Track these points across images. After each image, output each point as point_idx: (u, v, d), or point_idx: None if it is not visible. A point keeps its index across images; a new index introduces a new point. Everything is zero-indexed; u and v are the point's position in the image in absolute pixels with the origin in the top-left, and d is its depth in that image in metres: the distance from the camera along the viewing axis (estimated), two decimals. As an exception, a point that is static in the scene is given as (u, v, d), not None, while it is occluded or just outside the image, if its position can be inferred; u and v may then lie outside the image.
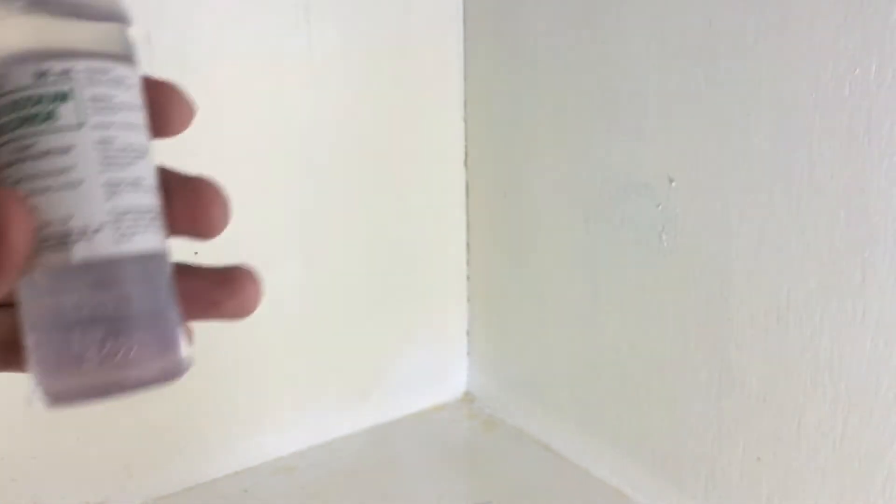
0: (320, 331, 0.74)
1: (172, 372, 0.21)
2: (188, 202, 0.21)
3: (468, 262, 0.82)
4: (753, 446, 0.54)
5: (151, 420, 0.66)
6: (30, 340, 0.19)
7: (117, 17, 0.20)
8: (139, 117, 0.20)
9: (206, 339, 0.74)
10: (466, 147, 0.79)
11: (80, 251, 0.19)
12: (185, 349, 0.21)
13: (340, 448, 0.75)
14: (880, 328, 0.46)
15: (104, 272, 0.19)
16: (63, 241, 0.19)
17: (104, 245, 0.19)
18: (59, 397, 0.19)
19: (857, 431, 0.48)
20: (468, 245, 0.82)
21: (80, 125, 0.19)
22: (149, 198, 0.20)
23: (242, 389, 0.70)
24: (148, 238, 0.20)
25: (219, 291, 0.22)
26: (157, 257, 0.20)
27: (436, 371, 0.83)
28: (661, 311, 0.60)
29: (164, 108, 0.21)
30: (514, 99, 0.72)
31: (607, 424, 0.68)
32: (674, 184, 0.57)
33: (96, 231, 0.19)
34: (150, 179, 0.20)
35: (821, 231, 0.48)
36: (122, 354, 0.19)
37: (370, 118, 0.72)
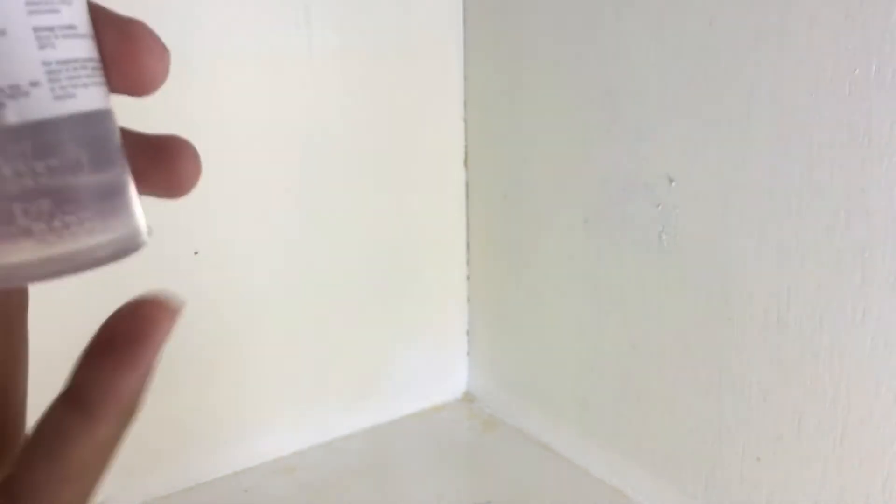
0: (320, 331, 0.74)
1: (130, 243, 0.18)
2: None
3: (468, 262, 0.82)
4: (753, 446, 0.54)
5: (151, 420, 0.66)
6: None
7: None
8: None
9: (205, 339, 0.75)
10: (466, 147, 0.79)
11: (14, 112, 0.16)
12: (141, 218, 0.19)
13: (340, 448, 0.75)
14: (880, 328, 0.46)
15: (45, 135, 0.17)
16: None
17: (42, 104, 0.17)
18: (7, 277, 0.17)
19: (858, 432, 0.48)
20: (468, 245, 0.82)
21: None
22: (87, 47, 0.18)
23: (242, 389, 0.70)
24: (91, 94, 0.18)
25: (148, 163, 0.19)
26: (102, 116, 0.18)
27: (436, 371, 0.83)
28: (662, 311, 0.60)
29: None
30: (514, 99, 0.72)
31: (607, 424, 0.67)
32: (674, 184, 0.57)
33: (31, 88, 0.16)
34: (85, 25, 0.18)
35: (821, 231, 0.48)
36: (74, 226, 0.17)
37: (370, 118, 0.72)
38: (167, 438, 0.67)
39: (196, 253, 0.64)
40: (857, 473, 0.48)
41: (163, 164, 0.19)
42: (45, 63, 0.17)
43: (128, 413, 0.20)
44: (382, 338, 0.79)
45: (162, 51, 0.19)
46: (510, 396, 0.80)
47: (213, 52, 0.62)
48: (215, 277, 0.65)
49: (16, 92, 0.16)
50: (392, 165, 0.75)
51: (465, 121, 0.78)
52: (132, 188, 0.19)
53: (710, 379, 0.57)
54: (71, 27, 0.17)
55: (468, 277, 0.83)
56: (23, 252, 0.17)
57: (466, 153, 0.79)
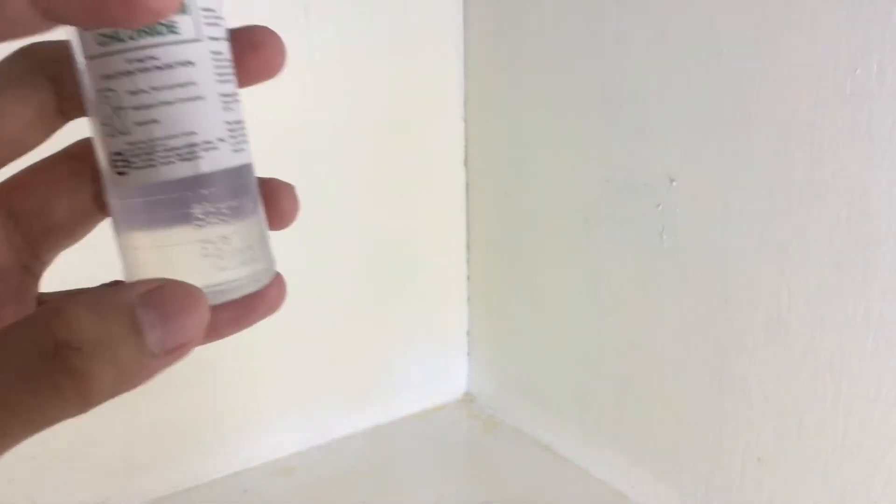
0: (320, 331, 0.73)
1: (272, 272, 0.22)
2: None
3: (468, 262, 0.82)
4: (754, 447, 0.54)
5: (150, 421, 0.66)
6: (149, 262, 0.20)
7: None
8: (226, 30, 0.21)
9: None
10: (466, 147, 0.79)
11: (207, 163, 0.19)
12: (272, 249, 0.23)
13: (340, 448, 0.75)
14: (882, 328, 0.45)
15: (229, 182, 0.20)
16: (190, 153, 0.19)
17: (226, 156, 0.20)
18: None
19: (859, 432, 0.48)
20: (468, 245, 0.82)
21: (198, 37, 0.19)
22: (243, 114, 0.21)
23: (241, 390, 0.70)
24: (249, 150, 0.21)
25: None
26: (253, 168, 0.22)
27: (436, 371, 0.83)
28: (662, 311, 0.60)
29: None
30: (514, 99, 0.72)
31: (608, 425, 0.67)
32: (674, 183, 0.57)
33: (219, 143, 0.20)
34: (238, 93, 0.21)
35: (822, 231, 0.47)
36: (247, 258, 0.20)
37: (370, 118, 0.72)
38: (166, 439, 0.67)
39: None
40: (858, 474, 0.48)
41: (270, 204, 0.23)
42: (227, 123, 0.20)
43: None
44: (382, 338, 0.78)
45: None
46: (510, 397, 0.80)
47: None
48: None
49: (209, 146, 0.20)
50: (392, 165, 0.75)
51: (465, 121, 0.78)
52: (267, 229, 0.22)
53: (710, 379, 0.57)
54: (236, 94, 0.21)
55: (468, 277, 0.82)
56: (205, 278, 0.20)
57: (466, 153, 0.79)
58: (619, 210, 0.62)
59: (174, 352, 0.17)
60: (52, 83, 0.20)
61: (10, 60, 0.20)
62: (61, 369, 0.15)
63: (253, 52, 0.22)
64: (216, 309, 0.21)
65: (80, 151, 0.21)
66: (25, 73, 0.20)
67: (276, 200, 0.23)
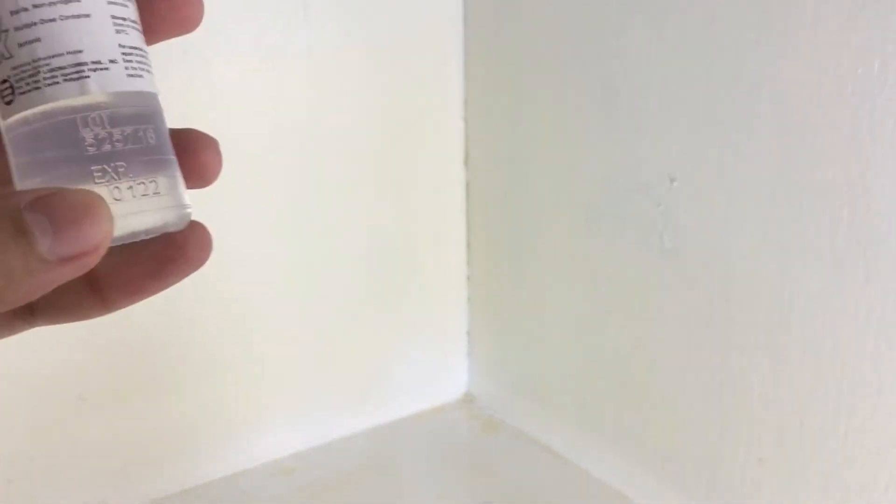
0: (319, 331, 0.73)
1: (183, 214, 0.20)
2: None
3: (468, 262, 0.82)
4: (755, 447, 0.54)
5: (149, 422, 0.66)
6: (38, 183, 0.18)
7: None
8: None
9: (203, 339, 0.74)
10: (466, 147, 0.79)
11: (96, 84, 0.18)
12: (187, 195, 0.21)
13: (340, 449, 0.75)
14: (883, 329, 0.45)
15: (120, 106, 0.19)
16: (77, 72, 0.18)
17: (118, 79, 0.19)
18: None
19: (860, 433, 0.47)
20: (468, 245, 0.81)
21: None
22: (143, 41, 0.20)
23: (240, 390, 0.70)
24: (150, 79, 0.20)
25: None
26: (157, 98, 0.20)
27: (436, 372, 0.83)
28: (663, 312, 0.60)
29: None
30: (514, 99, 0.72)
31: (608, 425, 0.67)
32: (675, 183, 0.57)
33: (110, 64, 0.18)
34: (140, 25, 0.20)
35: (823, 231, 0.47)
36: (142, 191, 0.19)
37: (370, 117, 0.72)
38: (165, 441, 0.67)
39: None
40: (860, 475, 0.48)
41: (189, 156, 0.21)
42: (121, 45, 0.19)
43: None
44: (382, 338, 0.78)
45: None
46: (511, 397, 0.80)
47: (212, 50, 0.61)
48: (213, 277, 0.65)
49: (98, 66, 0.18)
50: (392, 165, 0.75)
51: (465, 121, 0.78)
52: (179, 170, 0.21)
53: (711, 380, 0.57)
54: (135, 21, 0.20)
55: (468, 277, 0.82)
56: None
57: (466, 153, 0.79)
58: (619, 210, 0.62)
59: (72, 260, 0.16)
60: None
61: None
62: None
63: (192, 157, 0.21)
64: (131, 263, 0.20)
65: None
66: None
67: (195, 152, 0.21)
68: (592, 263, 0.65)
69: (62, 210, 0.16)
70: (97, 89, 0.18)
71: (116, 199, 0.18)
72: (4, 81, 0.18)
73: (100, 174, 0.18)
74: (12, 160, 0.19)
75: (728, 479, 0.57)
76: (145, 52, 0.20)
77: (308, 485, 0.69)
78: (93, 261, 0.17)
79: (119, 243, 0.19)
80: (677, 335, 0.59)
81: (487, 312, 0.81)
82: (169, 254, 0.21)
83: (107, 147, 0.18)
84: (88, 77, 0.18)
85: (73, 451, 0.63)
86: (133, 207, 0.19)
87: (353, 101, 0.70)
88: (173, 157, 0.20)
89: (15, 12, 0.18)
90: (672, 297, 0.59)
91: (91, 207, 0.16)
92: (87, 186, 0.18)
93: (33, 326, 0.22)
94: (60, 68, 0.18)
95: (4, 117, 0.19)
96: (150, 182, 0.19)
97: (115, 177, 0.18)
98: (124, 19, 0.19)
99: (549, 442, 0.74)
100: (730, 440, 0.56)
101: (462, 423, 0.80)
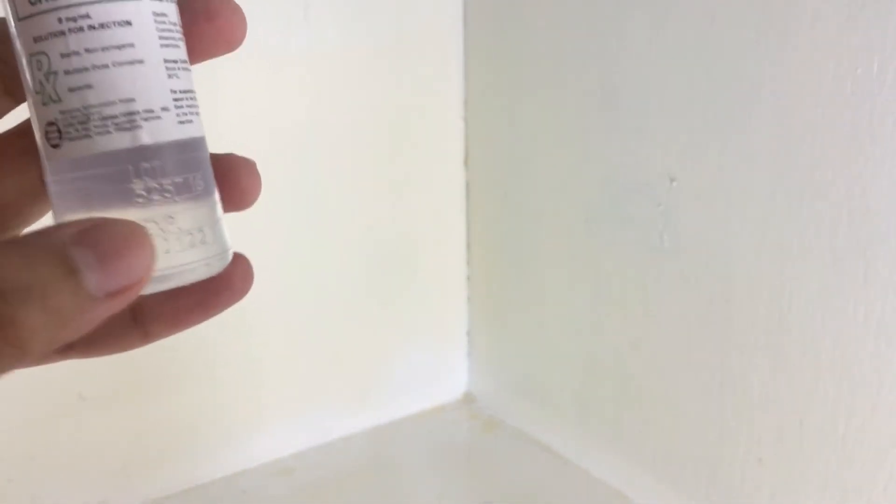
0: (319, 331, 0.73)
1: (224, 259, 0.20)
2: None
3: (468, 262, 0.82)
4: (755, 447, 0.54)
5: (149, 421, 0.66)
6: None
7: None
8: None
9: (203, 338, 0.74)
10: (466, 147, 0.79)
11: (148, 133, 0.18)
12: (229, 235, 0.21)
13: (339, 449, 0.75)
14: (882, 329, 0.45)
15: (172, 155, 0.18)
16: (129, 122, 0.18)
17: (170, 127, 0.18)
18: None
19: (860, 433, 0.47)
20: (468, 245, 0.81)
21: None
22: (192, 79, 0.20)
23: (241, 390, 0.70)
24: (199, 122, 0.20)
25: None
26: (204, 142, 0.20)
27: (436, 372, 0.83)
28: (662, 312, 0.60)
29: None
30: (514, 99, 0.72)
31: (608, 425, 0.67)
32: (675, 183, 0.57)
33: (162, 112, 0.18)
34: (189, 62, 0.20)
35: (823, 231, 0.47)
36: (190, 239, 0.19)
37: (370, 118, 0.72)
38: (165, 441, 0.67)
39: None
40: (859, 474, 0.48)
41: (230, 183, 0.21)
42: (173, 91, 0.18)
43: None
44: (382, 338, 0.78)
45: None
46: (510, 397, 0.80)
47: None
48: (214, 278, 0.65)
49: (150, 115, 0.18)
50: (392, 165, 0.75)
51: (465, 121, 0.78)
52: (222, 210, 0.21)
53: (711, 379, 0.57)
54: (185, 61, 0.19)
55: (468, 277, 0.82)
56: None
57: (466, 153, 0.79)
58: (619, 210, 0.62)
59: (119, 295, 0.16)
60: None
61: None
62: None
63: (207, 21, 0.20)
64: (176, 296, 0.20)
65: (30, 128, 0.20)
66: None
67: (235, 178, 0.21)
68: (592, 263, 0.65)
69: (106, 241, 0.16)
70: (149, 139, 0.18)
71: (165, 252, 0.18)
72: (51, 124, 0.18)
73: (149, 228, 0.18)
74: (56, 206, 0.19)
75: (728, 479, 0.57)
76: (194, 93, 0.20)
77: (308, 485, 0.69)
78: (136, 293, 0.16)
79: (163, 290, 0.19)
80: (677, 335, 0.59)
81: (487, 312, 0.81)
82: (213, 286, 0.21)
83: (156, 197, 0.18)
84: (141, 127, 0.18)
85: (73, 451, 0.63)
86: (181, 259, 0.18)
87: (353, 101, 0.70)
88: (217, 199, 0.20)
89: (66, 55, 0.17)
90: (672, 297, 0.59)
91: (133, 237, 0.16)
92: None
93: (67, 359, 0.22)
94: (112, 117, 0.17)
95: (49, 160, 0.18)
96: (198, 232, 0.19)
97: (164, 229, 0.18)
98: (176, 61, 0.19)
99: (549, 442, 0.74)
100: (730, 440, 0.56)
101: (462, 423, 0.80)
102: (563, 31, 0.65)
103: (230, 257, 0.21)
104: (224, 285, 0.21)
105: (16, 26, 0.18)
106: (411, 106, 0.75)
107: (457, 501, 0.67)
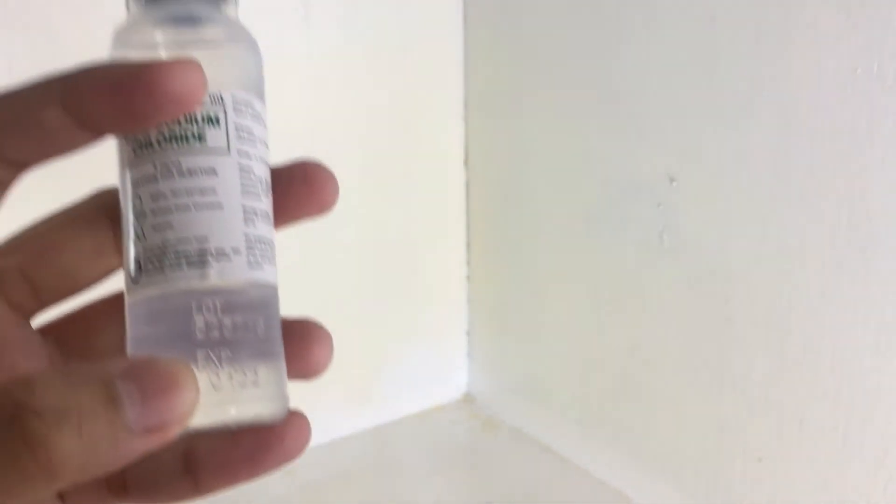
0: (320, 331, 0.73)
1: (279, 412, 0.20)
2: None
3: (468, 262, 0.82)
4: (755, 447, 0.54)
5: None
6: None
7: (256, 53, 0.22)
8: (267, 155, 0.21)
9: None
10: (466, 147, 0.79)
11: (216, 271, 0.19)
12: (287, 391, 0.21)
13: (340, 449, 0.75)
14: (882, 329, 0.45)
15: (236, 296, 0.19)
16: (200, 259, 0.19)
17: (238, 269, 0.19)
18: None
19: (860, 433, 0.47)
20: (468, 245, 0.81)
21: (227, 150, 0.19)
22: (272, 232, 0.21)
23: (242, 390, 0.70)
24: (272, 270, 0.21)
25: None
26: (276, 291, 0.21)
27: (436, 372, 0.83)
28: (662, 311, 0.60)
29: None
30: (514, 99, 0.72)
31: (608, 425, 0.67)
32: (674, 183, 0.57)
33: (233, 253, 0.19)
34: (272, 216, 0.21)
35: (823, 231, 0.47)
36: (241, 380, 0.19)
37: (370, 118, 0.72)
38: (166, 439, 0.67)
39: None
40: (859, 474, 0.48)
41: (301, 349, 0.22)
42: (246, 236, 0.19)
43: None
44: (382, 338, 0.78)
45: (334, 180, 0.23)
46: (510, 397, 0.80)
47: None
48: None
49: (221, 255, 0.19)
50: (392, 165, 0.75)
51: (465, 121, 0.78)
52: (284, 362, 0.21)
53: (711, 379, 0.57)
54: (266, 212, 0.21)
55: (468, 277, 0.82)
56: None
57: (466, 153, 0.79)
58: (619, 210, 0.62)
59: (156, 431, 0.16)
60: (114, 223, 0.20)
61: (80, 201, 0.21)
62: (18, 434, 0.14)
63: (303, 184, 0.22)
64: (227, 447, 0.20)
65: (104, 201, 0.21)
66: (88, 212, 0.21)
67: (308, 346, 0.22)
68: (592, 263, 0.65)
69: (152, 377, 0.16)
70: (216, 277, 0.19)
71: (214, 386, 0.18)
72: (136, 261, 0.19)
73: (204, 359, 0.18)
74: (129, 334, 0.19)
75: (728, 479, 0.57)
76: (271, 242, 0.21)
77: (308, 485, 0.69)
78: (174, 433, 0.16)
79: (211, 430, 0.19)
80: (677, 335, 0.59)
81: (487, 312, 0.81)
82: (265, 440, 0.21)
83: (215, 334, 0.19)
84: (210, 265, 0.19)
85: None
86: (230, 397, 0.19)
87: (354, 101, 0.70)
88: (280, 350, 0.21)
89: (155, 197, 0.19)
90: (671, 296, 0.59)
91: (179, 376, 0.16)
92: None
93: (121, 502, 0.22)
94: (185, 253, 0.18)
95: (128, 294, 0.19)
96: (251, 372, 0.19)
97: (218, 364, 0.18)
98: (255, 210, 0.20)
99: (549, 442, 0.74)
100: (729, 439, 0.56)
101: (462, 423, 0.80)
102: (563, 32, 0.65)
103: (285, 410, 0.21)
104: (277, 441, 0.21)
105: (121, 175, 0.19)
106: (411, 106, 0.75)
107: (457, 501, 0.67)
